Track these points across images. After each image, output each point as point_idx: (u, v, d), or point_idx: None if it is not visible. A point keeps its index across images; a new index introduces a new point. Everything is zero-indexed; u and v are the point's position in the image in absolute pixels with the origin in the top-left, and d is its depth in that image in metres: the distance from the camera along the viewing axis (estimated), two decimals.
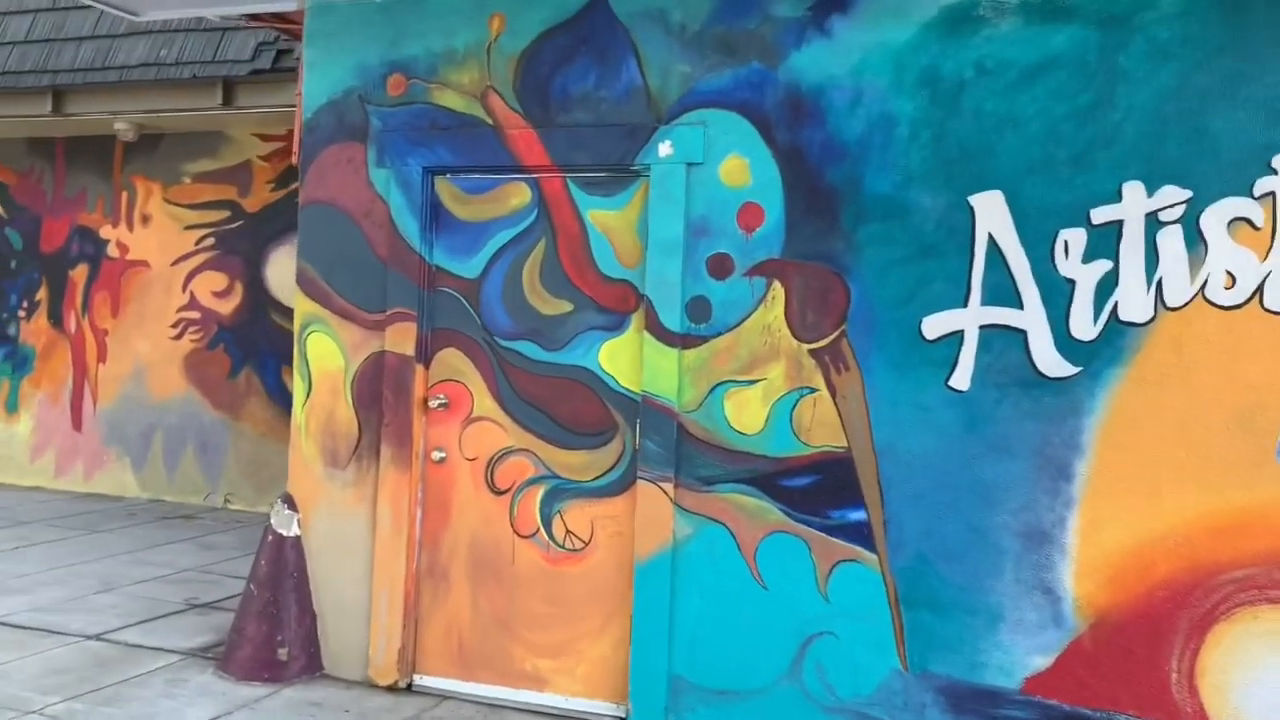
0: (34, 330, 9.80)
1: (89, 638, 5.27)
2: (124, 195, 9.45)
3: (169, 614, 5.74)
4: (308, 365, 4.90)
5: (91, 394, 9.54)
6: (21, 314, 9.85)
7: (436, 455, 4.73)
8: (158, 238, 9.32)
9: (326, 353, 4.86)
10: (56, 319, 9.71)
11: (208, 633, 5.44)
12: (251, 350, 9.00)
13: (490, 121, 4.59)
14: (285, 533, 4.85)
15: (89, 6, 8.37)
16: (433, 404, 4.73)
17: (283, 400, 8.86)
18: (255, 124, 8.83)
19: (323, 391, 4.87)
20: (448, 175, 4.71)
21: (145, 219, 9.39)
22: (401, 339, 4.72)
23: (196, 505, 9.00)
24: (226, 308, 9.10)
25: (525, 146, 4.53)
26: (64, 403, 9.65)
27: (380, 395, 4.75)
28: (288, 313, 8.80)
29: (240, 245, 9.05)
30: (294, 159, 5.21)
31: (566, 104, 4.48)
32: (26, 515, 8.30)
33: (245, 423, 9.01)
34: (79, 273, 9.63)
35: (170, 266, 9.27)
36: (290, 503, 4.89)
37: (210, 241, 9.16)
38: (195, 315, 9.20)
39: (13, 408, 9.85)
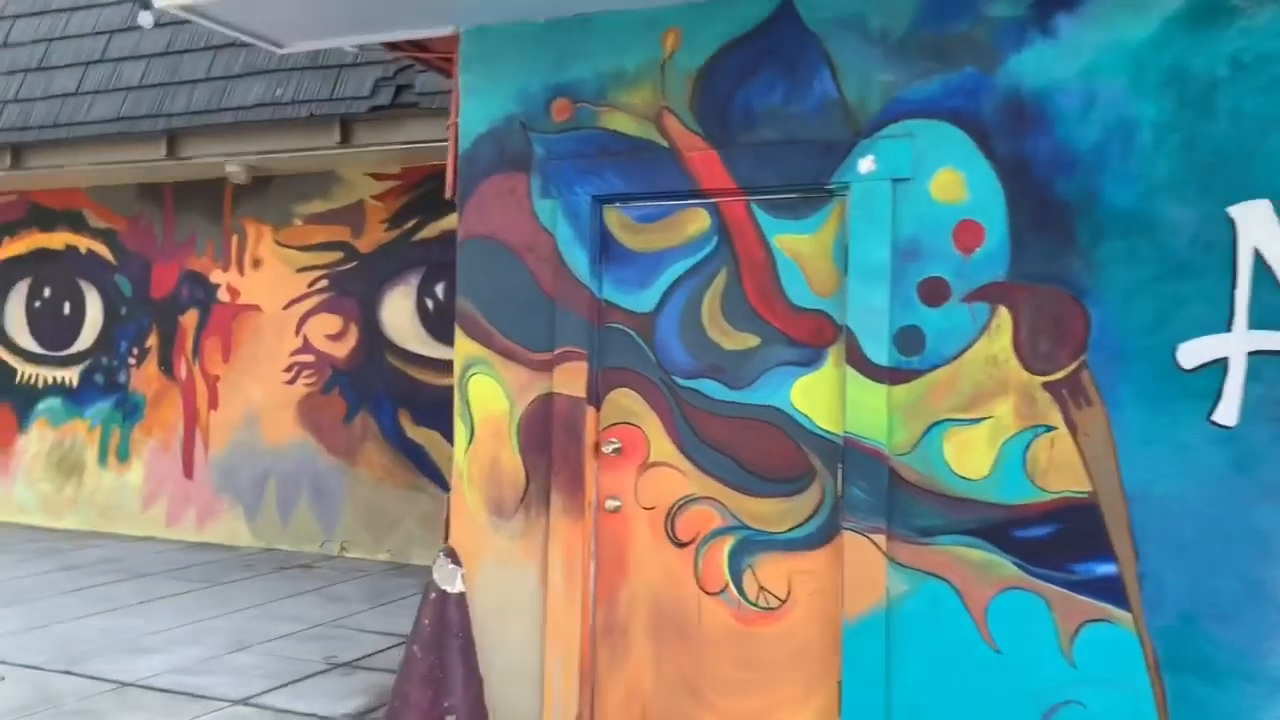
0: (144, 377, 9.70)
1: (236, 702, 4.98)
2: (234, 239, 9.35)
3: (312, 674, 5.44)
4: (469, 409, 4.59)
5: (203, 441, 9.39)
6: (131, 361, 9.77)
7: (611, 504, 4.37)
8: (269, 281, 9.18)
9: (490, 395, 4.55)
10: (167, 365, 9.60)
11: (358, 695, 5.12)
12: (367, 393, 8.78)
13: (665, 144, 4.26)
14: (449, 589, 4.52)
15: (205, 49, 8.31)
16: (606, 449, 4.38)
17: (399, 444, 8.62)
18: (369, 163, 8.67)
19: (486, 437, 4.55)
20: (617, 204, 4.39)
21: (256, 262, 9.26)
22: (571, 380, 4.38)
23: (312, 554, 8.76)
24: (341, 350, 8.90)
25: (705, 169, 4.19)
26: (175, 450, 9.51)
27: (548, 440, 4.42)
28: (404, 355, 8.58)
29: (354, 286, 8.86)
30: (448, 192, 4.94)
31: (751, 121, 4.14)
32: (145, 567, 8.12)
33: (361, 468, 8.77)
34: (189, 318, 9.52)
35: (282, 310, 9.12)
36: (453, 556, 4.56)
37: (323, 283, 8.98)
38: (309, 359, 9.01)
39: (124, 456, 9.74)
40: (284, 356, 9.10)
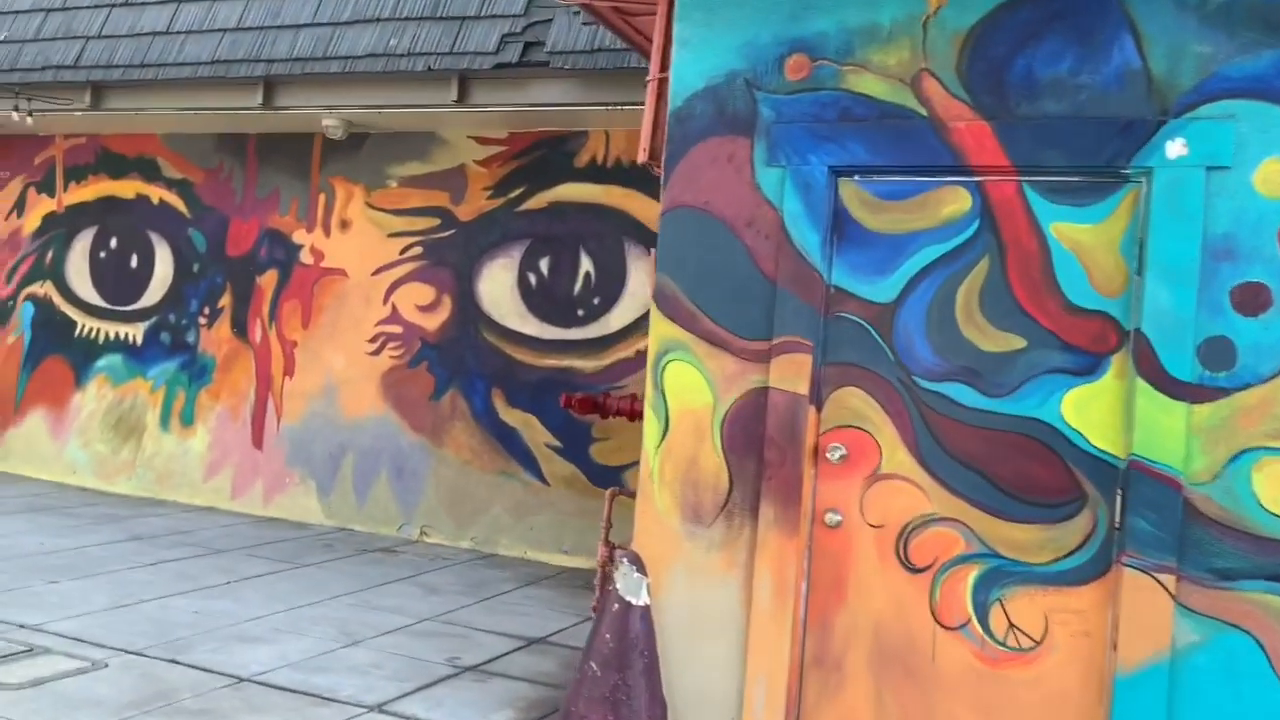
0: (214, 339, 9.18)
1: (370, 709, 4.48)
2: (321, 198, 8.82)
3: (441, 679, 4.94)
4: (664, 400, 4.07)
5: (276, 410, 8.88)
6: (202, 321, 9.25)
7: (831, 518, 3.85)
8: (358, 245, 8.65)
9: (689, 386, 4.03)
10: (240, 328, 9.08)
11: (503, 708, 4.61)
12: (458, 370, 8.26)
13: (924, 112, 3.73)
14: (634, 600, 4.01)
15: None
16: (830, 455, 3.86)
17: (490, 426, 8.11)
18: (473, 125, 8.14)
19: (683, 432, 4.03)
20: (858, 176, 3.86)
21: (344, 224, 8.73)
22: (791, 373, 3.86)
23: (390, 537, 8.26)
24: (432, 323, 8.38)
25: (973, 143, 3.66)
26: (244, 418, 9.00)
27: (758, 440, 3.90)
28: (501, 331, 8.07)
29: (450, 256, 8.34)
30: (641, 156, 4.42)
31: (1031, 92, 3.61)
32: (217, 541, 7.62)
33: (447, 449, 8.25)
34: (267, 279, 8.99)
35: (370, 276, 8.59)
36: (638, 564, 4.05)
37: (417, 251, 8.46)
38: (396, 330, 8.49)
39: (188, 420, 9.23)
40: (369, 326, 8.58)
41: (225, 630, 5.42)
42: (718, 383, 3.99)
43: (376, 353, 8.55)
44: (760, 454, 3.90)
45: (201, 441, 9.15)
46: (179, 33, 8.31)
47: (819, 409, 3.89)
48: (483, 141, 8.26)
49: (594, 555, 7.66)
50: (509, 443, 8.06)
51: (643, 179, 7.69)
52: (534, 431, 7.98)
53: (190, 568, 6.76)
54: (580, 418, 7.60)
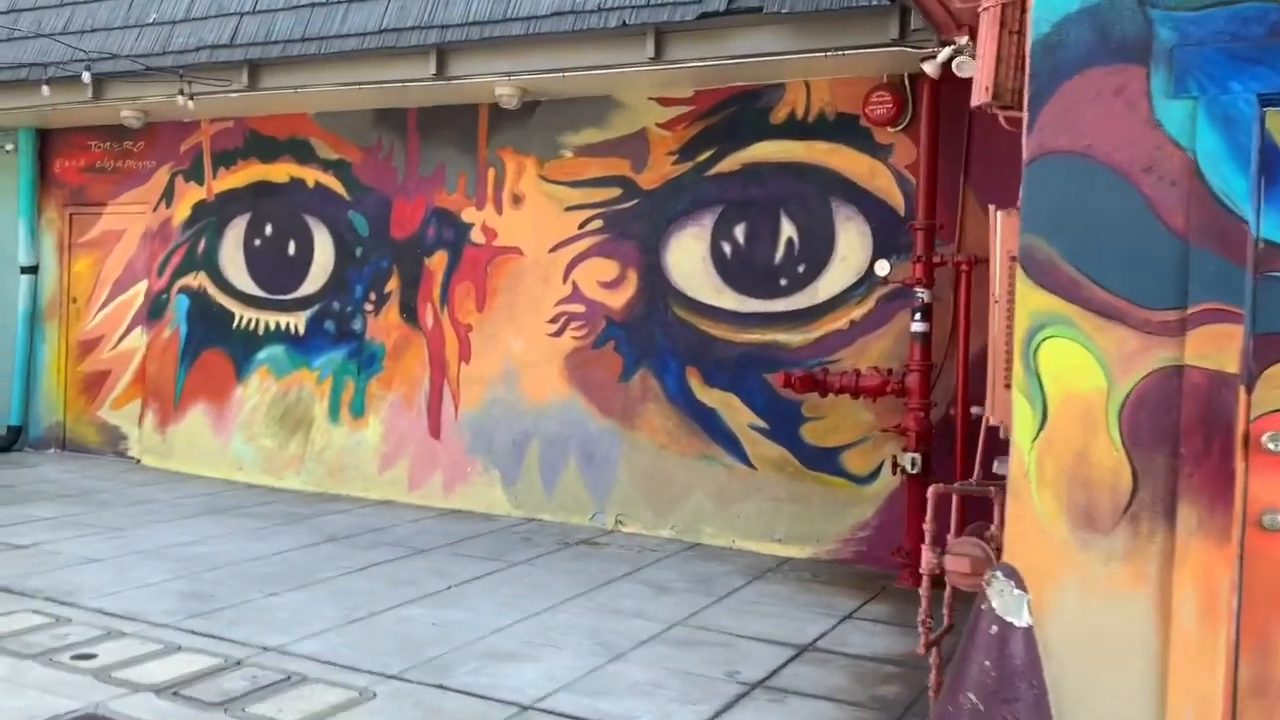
0: (383, 326, 8.77)
1: None
2: (490, 173, 8.32)
3: (735, 699, 4.42)
4: (1040, 384, 3.45)
5: (453, 397, 8.45)
6: (369, 308, 8.84)
7: (1271, 520, 3.21)
8: (532, 221, 8.14)
9: (1074, 367, 3.40)
10: (410, 313, 8.66)
11: None
12: (648, 349, 7.73)
13: None
14: (1015, 621, 3.42)
15: None
16: (1268, 445, 3.21)
17: (687, 407, 7.56)
18: (655, 85, 7.55)
19: (1067, 421, 3.41)
20: None
21: (516, 199, 8.22)
22: (1213, 348, 3.21)
23: (584, 527, 7.79)
24: (617, 300, 7.85)
25: None
26: (419, 407, 8.59)
27: (1172, 429, 3.26)
28: (694, 306, 7.51)
29: (634, 228, 7.78)
30: (981, 96, 3.78)
31: None
32: (413, 539, 7.22)
33: (640, 432, 7.74)
34: (437, 260, 8.54)
35: (548, 253, 8.08)
36: (1016, 578, 3.45)
37: (597, 224, 7.92)
38: (579, 309, 7.98)
39: (358, 411, 8.86)
40: (549, 306, 8.08)
41: (475, 646, 4.98)
42: (1113, 362, 3.35)
43: (558, 334, 8.05)
44: (1174, 446, 3.26)
45: (374, 432, 8.77)
46: (340, 2, 7.84)
47: (1250, 390, 3.24)
48: (665, 102, 7.66)
49: (809, 544, 7.13)
50: (708, 424, 7.51)
51: (850, 132, 7.04)
52: (735, 412, 7.42)
53: (402, 571, 6.35)
54: (798, 396, 7.00)
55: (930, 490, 4.17)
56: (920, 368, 6.50)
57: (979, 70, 3.79)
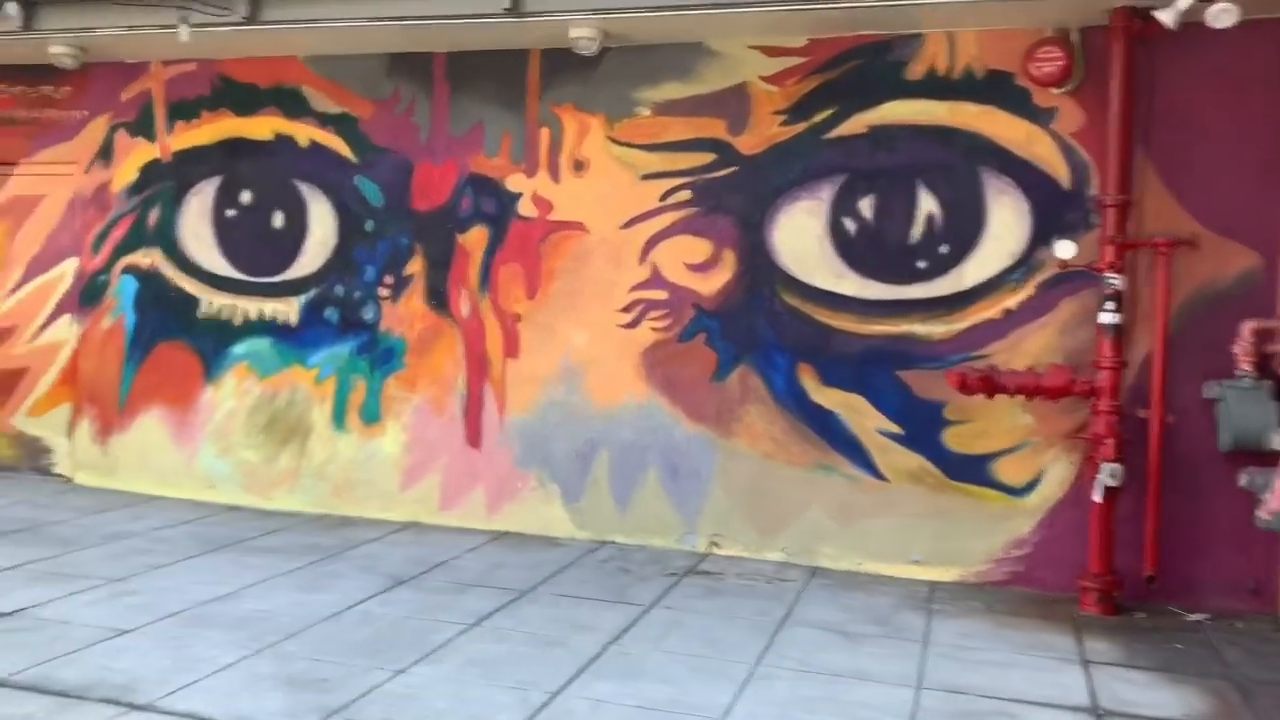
0: (403, 315, 7.34)
1: None
2: (544, 133, 7.00)
3: None
4: None
5: (497, 400, 7.12)
6: (384, 293, 7.38)
7: None
8: (599, 191, 6.88)
9: None
10: (438, 299, 7.25)
11: None
12: (749, 343, 6.63)
13: None
14: None
15: None
16: None
17: (799, 410, 6.53)
18: (758, 31, 6.44)
19: None
20: None
21: (579, 165, 6.94)
22: None
23: (672, 550, 6.65)
24: (709, 286, 6.70)
25: None
26: (452, 411, 7.22)
27: None
28: (808, 293, 6.51)
29: (731, 201, 6.64)
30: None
31: None
32: (497, 577, 5.93)
33: (739, 439, 6.64)
34: (473, 238, 7.17)
35: (620, 230, 6.85)
36: None
37: (683, 195, 6.74)
38: (660, 295, 6.79)
39: (372, 417, 7.40)
40: (621, 292, 6.85)
41: None
42: None
43: (633, 325, 6.84)
44: None
45: (394, 442, 7.34)
46: None
47: None
48: (772, 52, 6.54)
49: (954, 565, 6.19)
50: (826, 430, 6.48)
51: (1003, 92, 6.11)
52: (860, 415, 6.42)
53: (526, 625, 5.11)
54: (969, 397, 6.06)
55: None
56: (1112, 364, 5.66)
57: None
